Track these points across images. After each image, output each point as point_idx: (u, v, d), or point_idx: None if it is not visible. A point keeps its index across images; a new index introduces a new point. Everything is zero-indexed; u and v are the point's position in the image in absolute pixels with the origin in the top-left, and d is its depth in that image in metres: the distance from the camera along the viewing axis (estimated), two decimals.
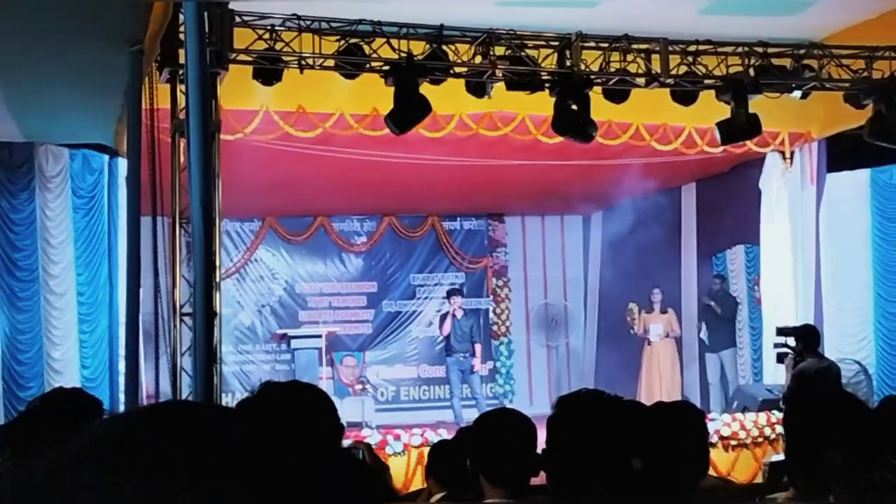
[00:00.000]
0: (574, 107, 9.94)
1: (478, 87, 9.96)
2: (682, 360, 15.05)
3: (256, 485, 0.94)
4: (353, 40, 9.41)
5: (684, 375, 15.06)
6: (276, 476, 0.90)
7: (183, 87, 7.46)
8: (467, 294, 17.12)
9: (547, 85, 10.00)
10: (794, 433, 3.22)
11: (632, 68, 10.27)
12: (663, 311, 14.83)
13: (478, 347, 14.61)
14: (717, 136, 10.69)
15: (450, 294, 15.12)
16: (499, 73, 9.85)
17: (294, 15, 9.29)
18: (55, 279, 11.70)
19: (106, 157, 11.90)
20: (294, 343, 14.80)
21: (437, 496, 4.75)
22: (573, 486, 3.01)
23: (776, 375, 11.88)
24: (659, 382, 14.51)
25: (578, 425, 3.10)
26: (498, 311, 17.74)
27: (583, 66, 10.04)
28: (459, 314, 14.54)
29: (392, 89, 9.47)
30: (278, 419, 2.38)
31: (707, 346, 14.77)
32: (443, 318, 14.92)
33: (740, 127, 10.45)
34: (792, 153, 13.06)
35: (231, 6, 8.91)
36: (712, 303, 14.52)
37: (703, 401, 14.43)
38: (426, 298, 17.25)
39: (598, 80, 10.17)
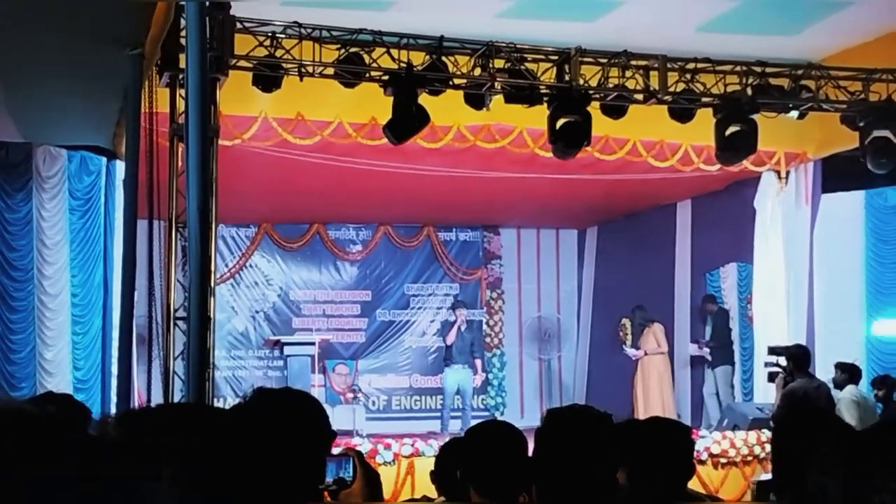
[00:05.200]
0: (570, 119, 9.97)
1: (476, 99, 9.98)
2: (673, 375, 15.05)
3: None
4: (353, 49, 9.43)
5: (676, 391, 15.04)
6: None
7: (182, 92, 7.47)
8: None
9: (545, 99, 10.03)
10: (781, 453, 3.23)
11: (630, 84, 10.30)
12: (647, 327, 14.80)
13: (478, 362, 14.70)
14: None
15: (455, 306, 15.22)
16: (497, 86, 9.88)
17: (295, 22, 9.31)
18: (49, 280, 11.70)
19: (104, 160, 11.90)
20: (287, 350, 14.76)
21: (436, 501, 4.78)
22: (559, 499, 3.02)
23: (766, 394, 11.89)
24: (648, 399, 14.48)
25: (567, 438, 3.12)
26: (491, 322, 17.75)
27: (581, 81, 10.07)
28: (464, 327, 14.60)
29: (391, 99, 9.50)
30: (270, 425, 2.39)
31: (708, 363, 14.80)
32: (446, 326, 14.94)
33: (737, 147, 10.50)
34: (787, 173, 13.09)
35: (232, 11, 8.93)
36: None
37: (694, 417, 14.45)
38: (420, 308, 17.24)
39: (597, 96, 10.19)
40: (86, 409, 4.56)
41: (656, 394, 14.52)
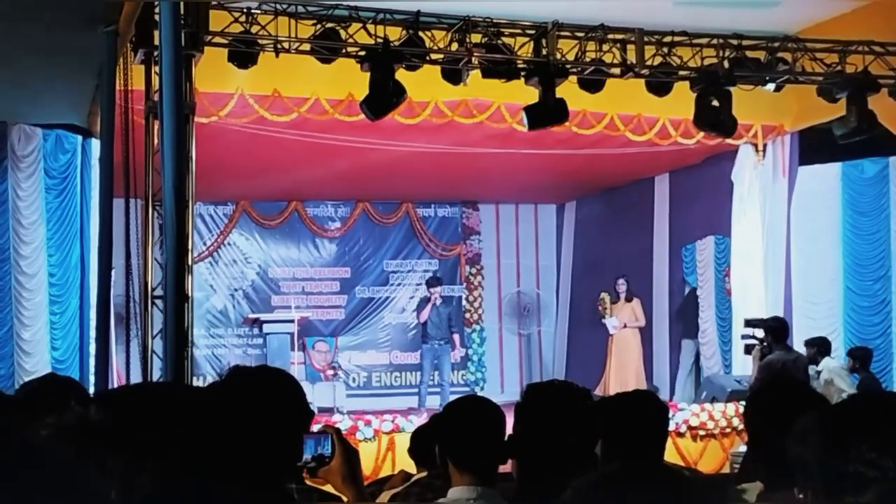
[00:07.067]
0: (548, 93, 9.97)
1: (453, 74, 9.95)
2: (652, 348, 15.12)
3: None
4: (329, 25, 9.38)
5: (654, 365, 15.12)
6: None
7: (157, 69, 7.42)
8: None
9: (523, 73, 10.01)
10: (758, 425, 3.25)
11: (607, 58, 10.29)
12: (628, 300, 14.89)
13: (456, 337, 14.77)
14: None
15: (430, 283, 15.23)
16: (475, 61, 9.85)
17: None
18: (26, 260, 11.63)
19: (79, 138, 11.82)
20: (266, 328, 14.76)
21: (416, 476, 4.80)
22: (539, 474, 3.04)
23: (745, 367, 11.97)
24: (621, 372, 14.56)
25: (547, 413, 3.13)
26: (471, 298, 17.77)
27: (558, 56, 10.05)
28: (439, 302, 14.67)
29: (368, 75, 9.46)
30: (246, 403, 2.39)
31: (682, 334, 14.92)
32: (421, 303, 15.06)
33: (714, 120, 10.52)
34: (765, 146, 13.12)
35: None
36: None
37: (671, 391, 14.54)
38: (399, 285, 17.25)
39: (574, 70, 10.18)
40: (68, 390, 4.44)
41: (631, 368, 14.61)
